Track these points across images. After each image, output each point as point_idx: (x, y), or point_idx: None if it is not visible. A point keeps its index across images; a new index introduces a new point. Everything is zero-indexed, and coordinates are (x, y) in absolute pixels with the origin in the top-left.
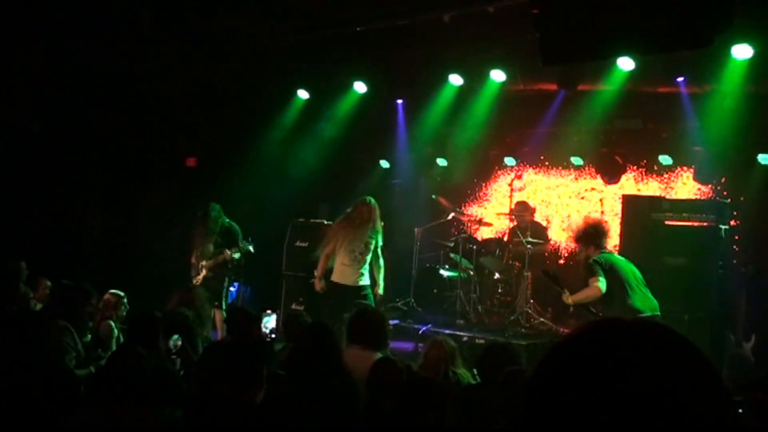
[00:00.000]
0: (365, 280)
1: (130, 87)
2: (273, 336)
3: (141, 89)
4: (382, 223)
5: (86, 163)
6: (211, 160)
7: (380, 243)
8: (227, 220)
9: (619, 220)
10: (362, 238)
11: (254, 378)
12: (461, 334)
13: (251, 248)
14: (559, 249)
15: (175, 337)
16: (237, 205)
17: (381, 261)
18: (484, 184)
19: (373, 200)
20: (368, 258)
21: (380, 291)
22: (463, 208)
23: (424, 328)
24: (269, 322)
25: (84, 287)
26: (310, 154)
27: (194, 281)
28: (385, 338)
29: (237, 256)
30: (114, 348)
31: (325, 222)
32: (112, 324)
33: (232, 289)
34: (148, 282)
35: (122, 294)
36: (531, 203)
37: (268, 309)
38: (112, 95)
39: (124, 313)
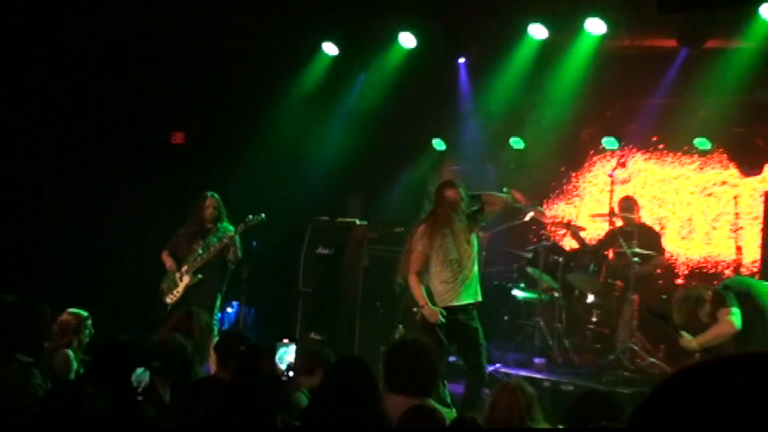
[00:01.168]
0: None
1: (93, 42)
2: (290, 374)
3: (109, 43)
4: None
5: (40, 141)
6: (206, 137)
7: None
8: (225, 222)
9: (760, 226)
10: (459, 235)
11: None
12: (542, 377)
13: (263, 217)
14: (676, 264)
15: (139, 371)
16: (238, 197)
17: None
18: (574, 175)
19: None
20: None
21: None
22: (545, 206)
23: (491, 369)
24: (287, 354)
25: (34, 305)
26: (336, 132)
27: (169, 298)
28: (433, 380)
29: (237, 242)
30: None
31: (357, 222)
32: (70, 354)
33: (229, 310)
34: (122, 298)
35: (85, 314)
36: (639, 201)
37: (285, 338)
38: (69, 52)
39: (87, 339)
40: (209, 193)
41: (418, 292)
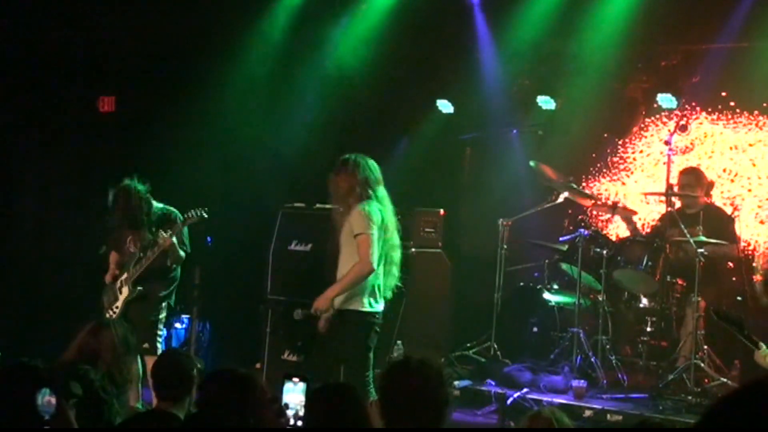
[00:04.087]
0: (345, 301)
1: None
2: (299, 424)
3: None
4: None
5: None
6: (141, 102)
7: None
8: (160, 205)
9: None
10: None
11: None
12: (582, 405)
13: (204, 214)
14: (753, 255)
15: (44, 391)
16: (185, 178)
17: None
18: (620, 143)
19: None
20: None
21: (322, 303)
22: (583, 184)
23: (515, 395)
24: (294, 397)
25: None
26: (311, 91)
27: (109, 312)
28: (443, 412)
29: (182, 248)
30: None
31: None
32: None
33: (179, 325)
34: (33, 308)
35: None
36: (706, 174)
37: (294, 377)
38: None
39: None
40: (126, 183)
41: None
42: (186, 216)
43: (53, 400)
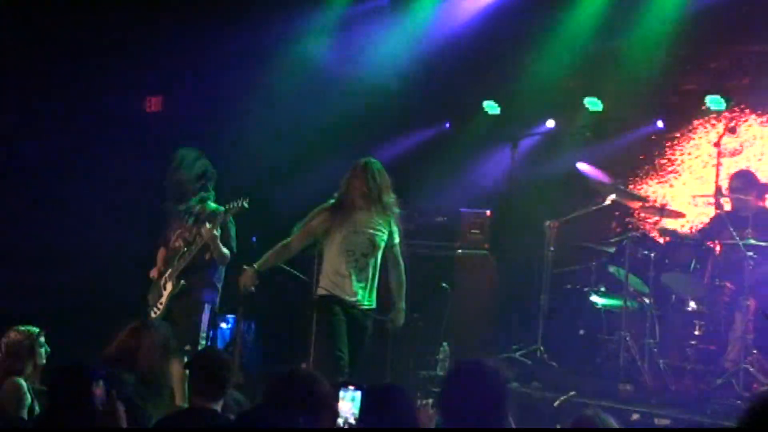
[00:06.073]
0: (371, 300)
1: None
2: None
3: None
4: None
5: None
6: (189, 99)
7: (397, 241)
8: (214, 205)
9: None
10: (364, 230)
11: None
12: (629, 408)
13: (245, 204)
14: None
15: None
16: (231, 179)
17: (402, 269)
18: (668, 144)
19: (378, 164)
20: (375, 264)
21: (401, 319)
22: (630, 186)
23: (561, 398)
24: (350, 402)
25: None
26: (356, 92)
27: (153, 312)
28: (503, 414)
29: (229, 247)
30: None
31: None
32: (21, 383)
33: (224, 325)
34: (86, 306)
35: (36, 330)
36: (759, 176)
37: (349, 384)
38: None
39: (43, 361)
40: (178, 160)
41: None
42: (227, 207)
43: (103, 391)
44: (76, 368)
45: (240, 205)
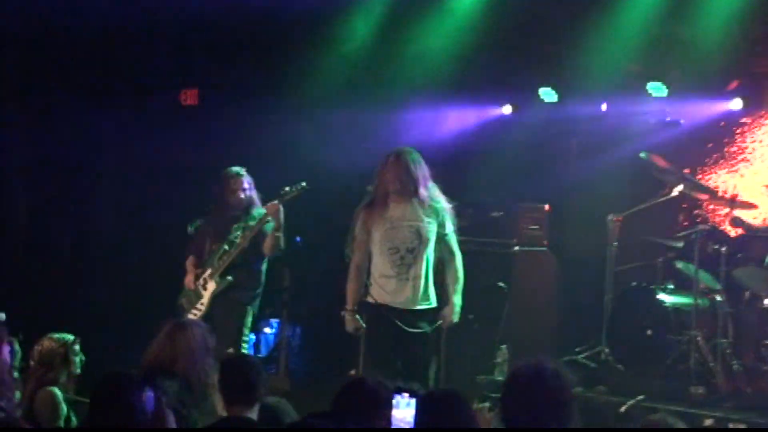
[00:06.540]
0: (427, 299)
1: None
2: None
3: None
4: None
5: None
6: (227, 93)
7: (449, 230)
8: (259, 210)
9: None
10: (405, 224)
11: None
12: (701, 413)
13: (303, 185)
14: None
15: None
16: (270, 174)
17: (458, 261)
18: (738, 131)
19: (413, 154)
20: (426, 258)
21: (454, 316)
22: (698, 176)
23: (629, 403)
24: (405, 409)
25: None
26: (407, 81)
27: (192, 312)
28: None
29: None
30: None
31: None
32: (56, 393)
33: (268, 330)
34: (122, 309)
35: (71, 338)
36: None
37: (404, 391)
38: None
39: (78, 370)
40: (235, 170)
41: (349, 287)
42: (282, 193)
43: (151, 399)
44: (120, 376)
45: (299, 188)
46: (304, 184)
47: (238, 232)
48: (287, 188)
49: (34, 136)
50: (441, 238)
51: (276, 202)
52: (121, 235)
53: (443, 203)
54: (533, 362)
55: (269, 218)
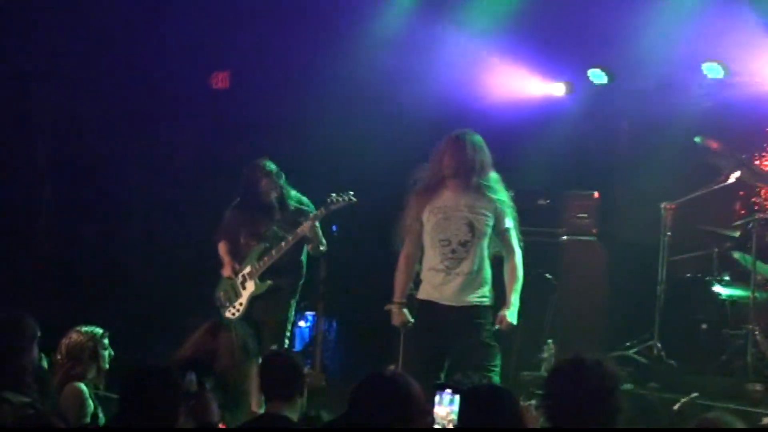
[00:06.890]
0: (482, 296)
1: None
2: None
3: None
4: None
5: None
6: (259, 76)
7: (509, 224)
8: (295, 192)
9: None
10: (459, 214)
11: None
12: (759, 411)
13: (352, 197)
14: None
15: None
16: (305, 161)
17: (517, 259)
18: None
19: (475, 137)
20: (480, 253)
21: (511, 317)
22: (757, 161)
23: (683, 401)
24: (448, 406)
25: (19, 319)
26: (445, 64)
27: (229, 312)
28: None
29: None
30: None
31: None
32: (83, 388)
33: (303, 324)
34: (152, 305)
35: (99, 332)
36: None
37: (446, 387)
38: None
39: (107, 365)
40: (263, 163)
41: (397, 281)
42: (329, 200)
43: (193, 379)
44: (153, 368)
45: (347, 199)
46: (352, 194)
47: (275, 228)
48: (333, 195)
49: (59, 127)
50: (499, 232)
51: (308, 224)
52: (150, 229)
53: (504, 195)
54: (572, 358)
55: (306, 232)
